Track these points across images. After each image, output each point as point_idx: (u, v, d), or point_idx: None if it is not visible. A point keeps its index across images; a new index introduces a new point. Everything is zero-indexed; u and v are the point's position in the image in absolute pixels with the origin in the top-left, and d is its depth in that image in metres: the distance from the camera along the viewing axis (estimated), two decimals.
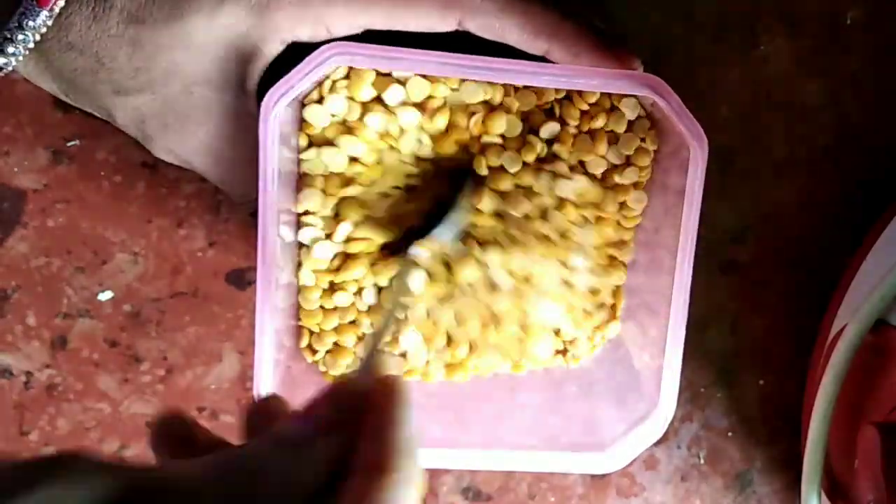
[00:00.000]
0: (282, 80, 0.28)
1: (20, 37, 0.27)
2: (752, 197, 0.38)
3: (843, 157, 0.38)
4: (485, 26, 0.29)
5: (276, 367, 0.31)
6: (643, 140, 0.34)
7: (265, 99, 0.28)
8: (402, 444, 0.22)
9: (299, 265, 0.34)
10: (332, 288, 0.34)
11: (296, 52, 0.29)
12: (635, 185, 0.34)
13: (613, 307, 0.36)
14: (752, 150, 0.37)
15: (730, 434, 0.40)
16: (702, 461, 0.40)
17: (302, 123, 0.32)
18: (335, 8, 0.29)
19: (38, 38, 0.28)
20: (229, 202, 0.36)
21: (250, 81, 0.30)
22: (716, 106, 0.37)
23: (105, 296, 0.36)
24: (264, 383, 0.31)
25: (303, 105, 0.32)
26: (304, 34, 0.29)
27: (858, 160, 0.38)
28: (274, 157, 0.29)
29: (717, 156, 0.37)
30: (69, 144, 0.35)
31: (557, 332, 0.36)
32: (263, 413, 0.25)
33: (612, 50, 0.30)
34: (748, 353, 0.39)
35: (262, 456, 0.22)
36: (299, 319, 0.34)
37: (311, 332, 0.35)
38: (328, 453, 0.22)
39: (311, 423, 0.23)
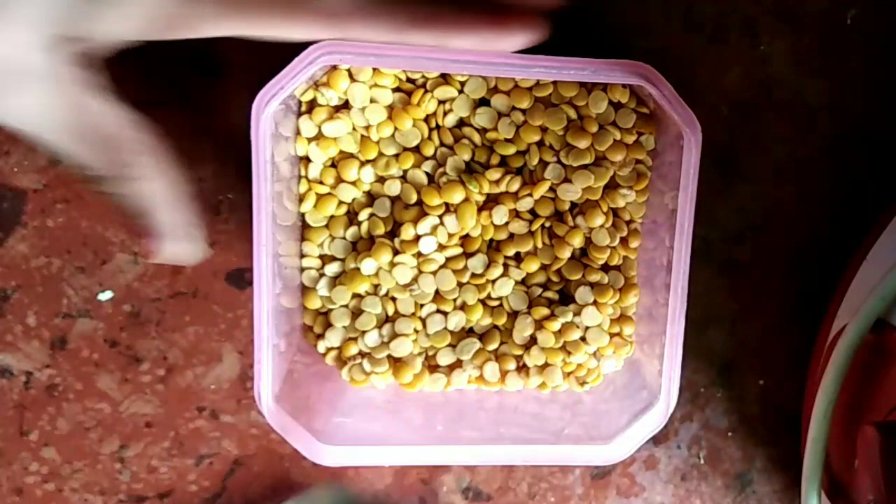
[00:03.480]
0: (272, 82, 0.29)
1: None
2: (752, 197, 0.38)
3: (843, 157, 0.38)
4: (353, 31, 0.29)
5: (277, 367, 0.31)
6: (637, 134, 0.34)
7: (256, 100, 0.29)
8: None
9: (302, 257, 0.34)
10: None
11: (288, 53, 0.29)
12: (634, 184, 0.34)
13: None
14: (752, 150, 0.37)
15: (730, 434, 0.40)
16: (702, 461, 0.40)
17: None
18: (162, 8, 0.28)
19: None
20: (229, 202, 0.36)
21: (84, 60, 0.30)
22: (716, 106, 0.37)
23: (105, 296, 0.36)
24: (264, 383, 0.31)
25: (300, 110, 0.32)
26: (124, 31, 0.29)
27: (858, 160, 0.38)
28: (267, 156, 0.29)
29: (717, 156, 0.37)
30: None
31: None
32: None
33: (505, 15, 0.30)
34: (748, 353, 0.39)
35: None
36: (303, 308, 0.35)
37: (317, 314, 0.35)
38: None
39: None
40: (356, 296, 0.35)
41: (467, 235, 0.34)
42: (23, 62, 0.29)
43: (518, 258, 0.35)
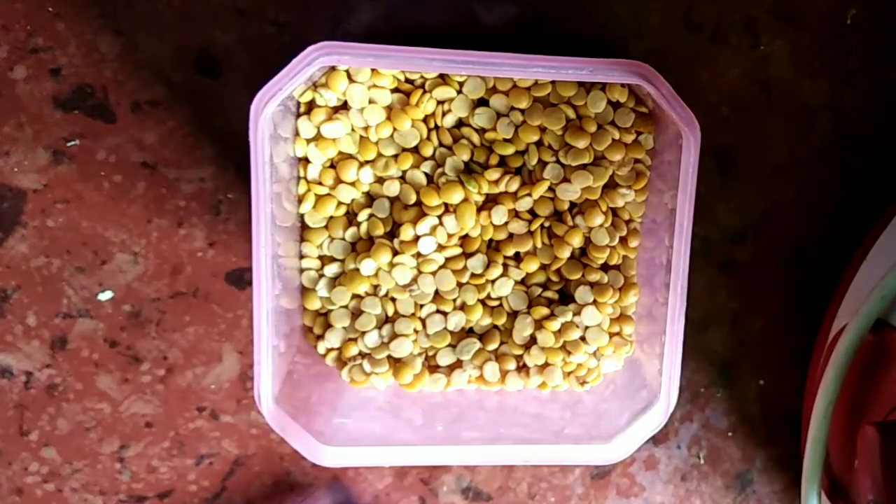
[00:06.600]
0: (270, 83, 0.29)
1: None
2: (752, 197, 0.38)
3: (843, 158, 0.38)
4: None
5: (277, 369, 0.31)
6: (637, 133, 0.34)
7: (254, 101, 0.29)
8: None
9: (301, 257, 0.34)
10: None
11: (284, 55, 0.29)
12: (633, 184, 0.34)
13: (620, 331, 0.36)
14: (752, 150, 0.37)
15: (730, 434, 0.40)
16: (702, 461, 0.40)
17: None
18: None
19: None
20: (229, 202, 0.36)
21: None
22: (716, 106, 0.37)
23: (105, 296, 0.36)
24: (264, 385, 0.31)
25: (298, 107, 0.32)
26: None
27: (858, 160, 0.38)
28: (265, 158, 0.29)
29: (717, 156, 0.37)
30: (69, 144, 0.35)
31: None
32: None
33: None
34: (748, 353, 0.39)
35: None
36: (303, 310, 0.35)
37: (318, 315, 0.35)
38: None
39: None
40: (356, 296, 0.35)
41: (466, 235, 0.34)
42: None
43: (517, 258, 0.35)
